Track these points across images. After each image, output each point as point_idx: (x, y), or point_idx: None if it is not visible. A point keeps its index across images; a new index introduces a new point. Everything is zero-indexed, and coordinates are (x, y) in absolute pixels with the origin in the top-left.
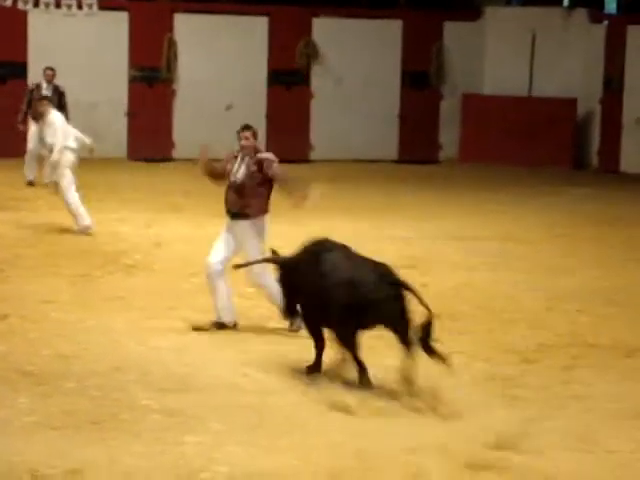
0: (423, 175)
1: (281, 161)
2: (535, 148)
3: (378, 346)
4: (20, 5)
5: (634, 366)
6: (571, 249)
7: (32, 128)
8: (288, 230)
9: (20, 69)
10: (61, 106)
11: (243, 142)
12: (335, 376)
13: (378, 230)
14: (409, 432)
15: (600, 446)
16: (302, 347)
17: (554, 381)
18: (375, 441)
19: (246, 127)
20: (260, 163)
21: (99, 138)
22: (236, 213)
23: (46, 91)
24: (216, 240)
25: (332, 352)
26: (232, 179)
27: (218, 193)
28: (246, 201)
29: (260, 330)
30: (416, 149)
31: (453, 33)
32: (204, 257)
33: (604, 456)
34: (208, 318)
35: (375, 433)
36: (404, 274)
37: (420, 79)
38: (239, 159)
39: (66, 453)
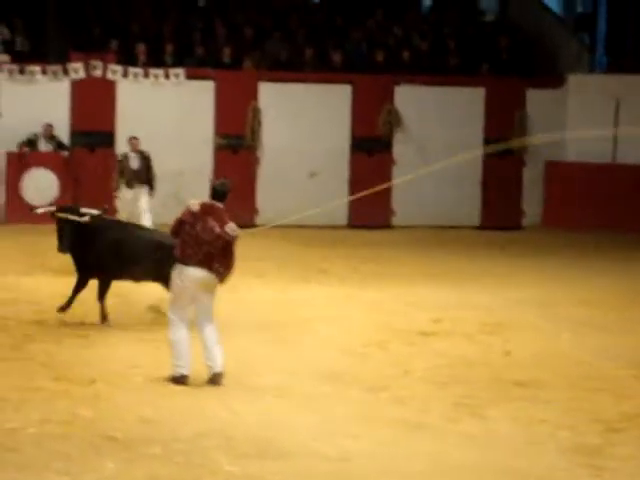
0: (506, 241)
1: (363, 227)
2: (619, 215)
3: None
4: (109, 75)
5: None
6: None
7: (127, 195)
8: (372, 296)
9: (108, 138)
10: (148, 169)
11: None
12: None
13: (460, 296)
14: None
15: None
16: (386, 410)
17: None
18: None
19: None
20: None
21: (184, 204)
22: None
23: (134, 160)
24: None
25: None
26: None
27: (301, 258)
28: None
29: (342, 393)
30: (499, 215)
31: (536, 100)
32: (287, 321)
33: None
34: (294, 383)
35: None
36: (487, 340)
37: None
38: None
39: None
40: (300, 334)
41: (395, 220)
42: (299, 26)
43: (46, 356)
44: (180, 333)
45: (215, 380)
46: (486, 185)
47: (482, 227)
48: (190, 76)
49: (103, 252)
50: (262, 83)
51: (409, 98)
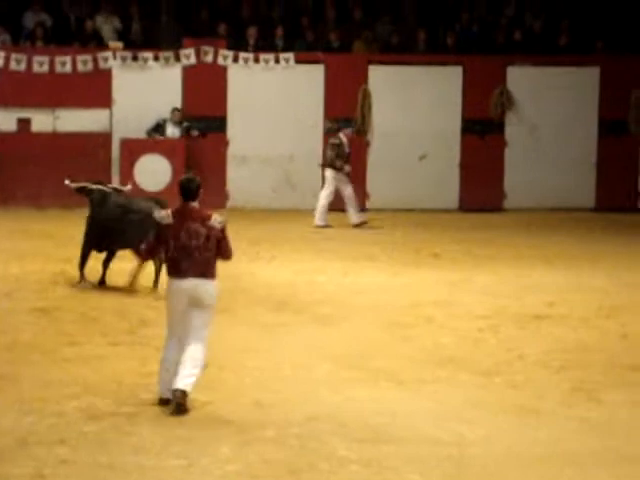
0: (621, 223)
1: (475, 210)
2: None
3: None
4: (220, 61)
5: None
6: None
7: (337, 176)
8: (484, 280)
9: (220, 123)
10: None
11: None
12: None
13: (575, 279)
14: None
15: None
16: (501, 396)
17: None
18: None
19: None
20: None
21: (295, 189)
22: None
23: (347, 146)
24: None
25: None
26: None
27: (412, 242)
28: None
29: (456, 378)
30: (614, 197)
31: None
32: (399, 305)
33: None
34: (407, 367)
35: None
36: (603, 324)
37: (618, 126)
38: None
39: None
40: (413, 318)
41: (507, 203)
42: (410, 8)
43: (161, 341)
44: (168, 353)
45: (176, 401)
46: (601, 167)
47: (597, 209)
48: (300, 60)
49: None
50: (372, 66)
51: (521, 79)
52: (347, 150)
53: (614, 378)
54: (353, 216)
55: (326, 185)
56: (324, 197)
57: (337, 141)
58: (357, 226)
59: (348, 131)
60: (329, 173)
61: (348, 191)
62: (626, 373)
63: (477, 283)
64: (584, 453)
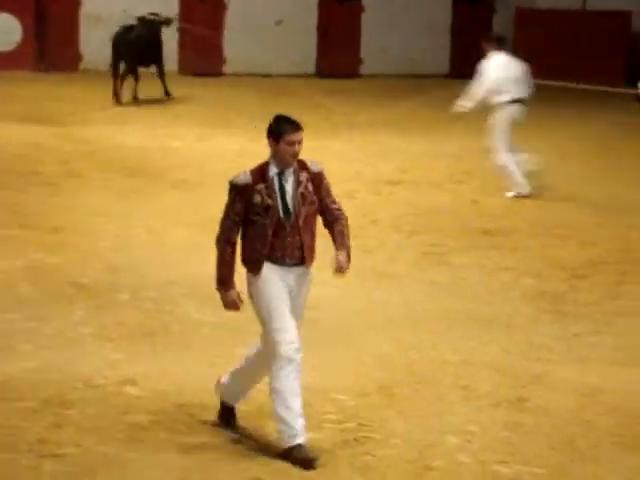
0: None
1: (332, 76)
2: (587, 62)
3: None
4: None
5: None
6: (619, 164)
7: None
8: (341, 146)
9: None
10: None
11: (297, 148)
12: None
13: (428, 146)
14: (459, 346)
15: None
16: (355, 260)
17: (603, 297)
18: (425, 354)
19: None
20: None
21: None
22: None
23: None
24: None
25: None
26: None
27: (271, 109)
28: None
29: None
30: (469, 63)
31: None
32: None
33: None
34: None
35: (424, 345)
36: (455, 190)
37: None
38: (276, 179)
39: (119, 364)
40: None
41: (363, 69)
42: None
43: (13, 204)
44: None
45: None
46: (456, 32)
47: (452, 75)
48: None
49: None
50: None
51: None
52: None
53: (464, 242)
54: None
55: None
56: None
57: None
58: None
59: None
60: None
61: None
62: (476, 237)
63: (333, 150)
64: (434, 315)
